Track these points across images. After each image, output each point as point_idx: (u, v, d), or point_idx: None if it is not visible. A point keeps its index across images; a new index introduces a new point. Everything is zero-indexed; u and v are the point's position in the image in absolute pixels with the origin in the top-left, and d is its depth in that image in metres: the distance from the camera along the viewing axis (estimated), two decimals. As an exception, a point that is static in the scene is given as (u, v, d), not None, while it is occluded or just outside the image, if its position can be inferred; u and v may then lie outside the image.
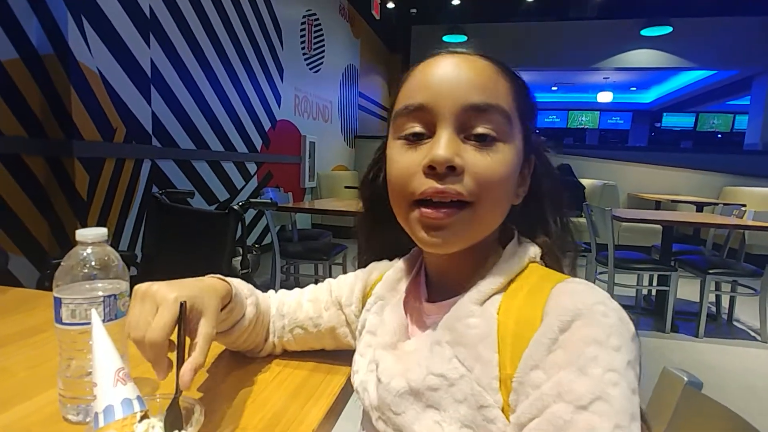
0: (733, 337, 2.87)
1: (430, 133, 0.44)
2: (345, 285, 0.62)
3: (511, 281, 0.44)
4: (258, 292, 0.64)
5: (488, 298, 0.43)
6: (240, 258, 1.43)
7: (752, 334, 2.93)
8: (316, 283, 0.69)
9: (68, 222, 2.36)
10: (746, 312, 3.22)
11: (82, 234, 0.48)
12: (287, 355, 0.67)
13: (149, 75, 2.81)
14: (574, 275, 0.45)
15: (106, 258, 0.49)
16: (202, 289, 0.50)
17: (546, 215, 0.49)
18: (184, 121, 3.32)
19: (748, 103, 8.61)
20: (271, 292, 0.69)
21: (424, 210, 0.43)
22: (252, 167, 4.35)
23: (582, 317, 0.36)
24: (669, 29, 7.01)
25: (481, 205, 0.43)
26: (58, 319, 0.46)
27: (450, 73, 0.44)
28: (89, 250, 0.49)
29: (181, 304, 0.45)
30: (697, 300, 2.88)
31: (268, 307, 0.65)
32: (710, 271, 2.76)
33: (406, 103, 0.45)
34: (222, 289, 0.53)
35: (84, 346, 0.47)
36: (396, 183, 0.45)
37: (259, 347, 0.64)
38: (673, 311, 2.84)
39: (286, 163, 5.06)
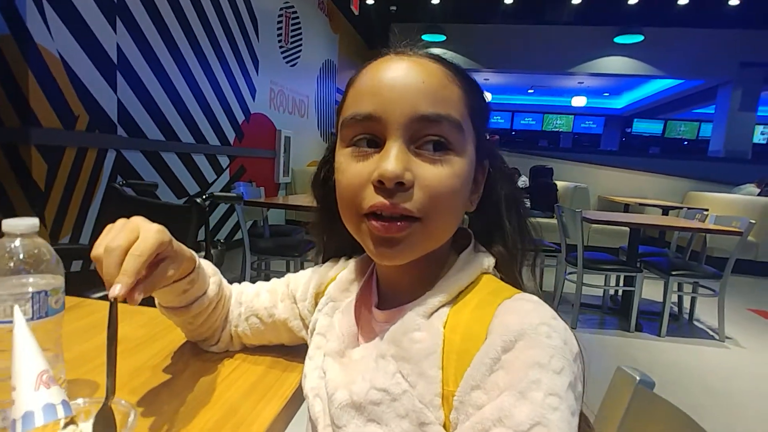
0: (693, 336, 2.98)
1: (379, 142, 0.42)
2: (301, 280, 0.61)
3: (461, 293, 0.43)
4: (222, 277, 0.64)
5: (436, 311, 0.42)
6: (203, 253, 1.38)
7: (711, 333, 3.04)
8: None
9: (23, 213, 2.24)
10: (706, 312, 3.34)
11: (8, 224, 0.44)
12: (245, 349, 0.66)
13: (115, 61, 2.69)
14: (534, 276, 0.45)
15: (36, 251, 0.45)
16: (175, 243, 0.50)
17: (502, 218, 0.48)
18: (152, 111, 3.20)
19: (713, 111, 8.96)
20: (235, 284, 0.68)
21: (374, 224, 0.41)
22: (224, 161, 4.25)
23: (525, 338, 0.35)
24: (641, 38, 7.22)
25: (432, 219, 0.41)
26: (-20, 317, 0.42)
27: (400, 81, 0.41)
28: (17, 242, 0.44)
29: (111, 303, 0.42)
30: (661, 300, 2.97)
31: (230, 293, 0.65)
32: (673, 273, 2.85)
33: (354, 111, 0.42)
34: (188, 253, 0.53)
35: (9, 346, 0.43)
36: (345, 195, 0.43)
37: (216, 335, 0.63)
38: (637, 311, 2.92)
39: (259, 157, 4.97)
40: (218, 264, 1.52)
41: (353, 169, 0.42)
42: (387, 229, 0.40)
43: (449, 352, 0.39)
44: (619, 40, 7.47)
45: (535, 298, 0.41)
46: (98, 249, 0.43)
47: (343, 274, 0.55)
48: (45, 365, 0.38)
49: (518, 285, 0.45)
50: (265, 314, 0.62)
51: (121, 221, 0.46)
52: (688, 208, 4.11)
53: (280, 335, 0.63)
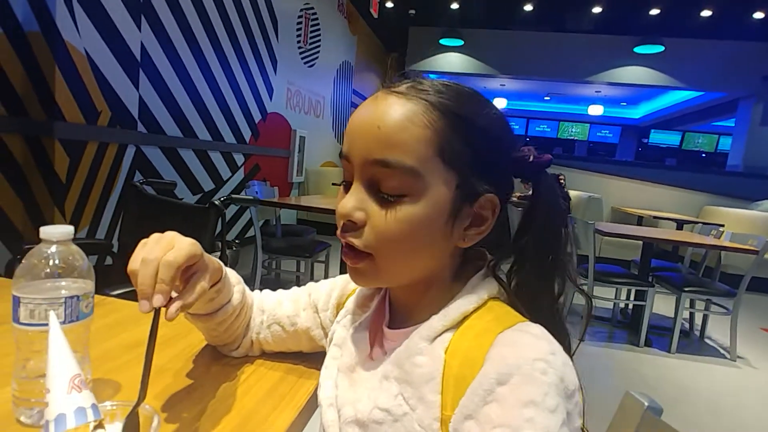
0: (703, 354, 2.94)
1: (351, 181, 0.45)
2: (323, 290, 0.63)
3: (466, 318, 0.44)
4: (245, 285, 0.66)
5: (439, 335, 0.43)
6: (219, 253, 1.41)
7: (722, 351, 3.00)
8: (296, 279, 0.71)
9: (45, 204, 2.30)
10: (718, 330, 3.29)
11: (46, 232, 0.46)
12: (263, 355, 0.68)
13: (138, 59, 2.75)
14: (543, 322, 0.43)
15: (70, 257, 0.48)
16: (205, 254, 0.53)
17: (529, 255, 0.46)
18: (172, 108, 3.26)
19: (733, 125, 8.81)
20: (256, 291, 0.71)
21: (343, 248, 0.46)
22: (239, 158, 4.30)
23: (521, 373, 0.35)
24: (661, 48, 7.13)
25: (380, 258, 0.44)
26: (16, 319, 0.45)
27: (362, 124, 0.43)
28: (53, 248, 0.47)
29: (156, 311, 0.44)
30: (672, 316, 2.93)
31: (252, 301, 0.67)
32: (686, 289, 2.82)
33: (341, 148, 0.46)
34: (216, 263, 0.55)
35: (42, 347, 0.45)
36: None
37: (237, 342, 0.65)
38: (647, 326, 2.89)
39: (274, 156, 5.02)
40: (233, 264, 1.55)
41: (338, 203, 0.46)
42: (346, 256, 0.45)
43: (448, 377, 0.40)
44: (639, 50, 7.39)
45: (539, 329, 0.40)
46: (134, 263, 0.46)
47: (361, 289, 0.57)
48: (77, 369, 0.40)
49: (526, 314, 0.44)
50: (287, 323, 0.64)
51: (155, 235, 0.49)
52: (704, 224, 4.06)
53: (300, 343, 0.65)
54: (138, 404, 0.41)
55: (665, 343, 2.93)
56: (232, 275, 0.63)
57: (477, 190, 0.44)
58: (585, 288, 3.00)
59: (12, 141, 2.21)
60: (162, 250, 0.46)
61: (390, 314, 0.53)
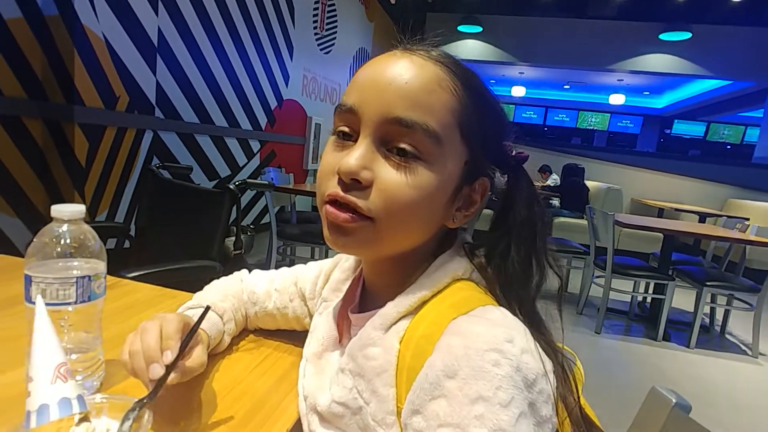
0: (724, 350, 2.87)
1: (356, 136, 0.41)
2: (310, 277, 0.62)
3: (425, 303, 0.41)
4: (230, 292, 0.65)
5: (395, 323, 0.41)
6: (233, 238, 1.41)
7: (743, 348, 2.93)
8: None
9: (65, 187, 2.34)
10: (739, 326, 3.21)
11: (57, 210, 0.45)
12: (272, 335, 0.68)
13: (156, 44, 2.75)
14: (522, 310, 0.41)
15: (82, 236, 0.47)
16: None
17: (509, 243, 0.44)
18: (189, 94, 3.27)
19: (761, 116, 8.50)
20: (244, 272, 0.71)
21: (328, 208, 0.41)
22: (255, 145, 4.31)
23: (470, 366, 0.33)
24: (688, 35, 6.89)
25: (383, 223, 0.40)
26: (28, 298, 0.44)
27: (383, 78, 0.40)
28: (65, 227, 0.46)
29: (207, 307, 0.50)
30: (691, 310, 2.87)
31: (240, 298, 0.66)
32: (708, 283, 2.75)
33: (341, 101, 0.42)
34: (206, 340, 0.56)
35: (56, 328, 0.45)
36: (317, 180, 0.43)
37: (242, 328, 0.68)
38: (666, 320, 2.83)
39: (290, 143, 5.02)
40: (247, 249, 1.56)
41: (327, 158, 0.42)
42: (336, 216, 0.40)
43: (402, 369, 0.38)
44: (664, 37, 7.16)
45: (499, 314, 0.38)
46: (124, 355, 0.47)
47: (335, 273, 0.56)
48: (63, 357, 0.38)
49: (497, 296, 0.42)
50: (277, 313, 0.65)
51: (140, 326, 0.49)
52: (728, 217, 3.94)
53: (293, 326, 0.66)
54: (148, 401, 0.39)
55: (684, 338, 2.87)
56: (218, 310, 0.61)
57: (481, 170, 0.43)
58: (602, 280, 2.95)
59: (33, 125, 2.24)
60: (154, 338, 0.46)
61: (361, 297, 0.51)
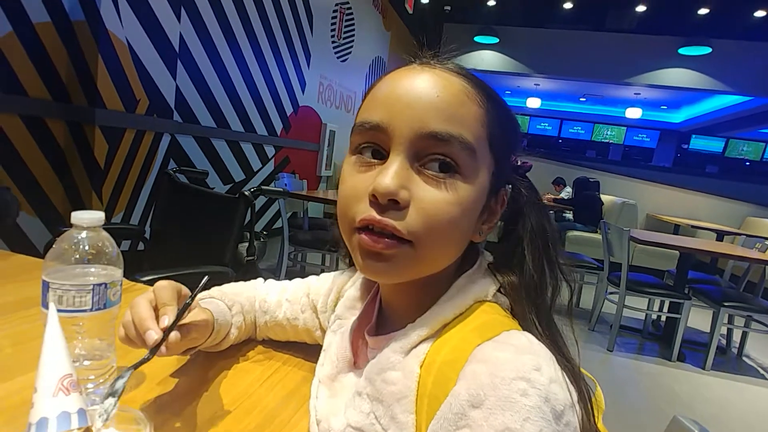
0: (740, 373, 2.79)
1: (384, 154, 0.39)
2: (322, 290, 0.61)
3: (446, 326, 0.39)
4: (242, 294, 0.66)
5: (415, 346, 0.39)
6: (247, 244, 1.42)
7: (761, 372, 2.85)
8: (321, 273, 0.68)
9: (84, 188, 2.38)
10: (757, 348, 3.13)
11: (77, 217, 0.46)
12: (282, 347, 0.67)
13: (177, 50, 2.80)
14: (547, 326, 0.40)
15: (100, 244, 0.47)
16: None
17: (523, 252, 0.43)
18: (207, 99, 3.32)
19: (783, 133, 8.34)
20: (260, 280, 0.71)
21: (363, 237, 0.38)
22: (270, 150, 4.35)
23: (496, 395, 0.31)
24: (708, 50, 6.81)
25: (424, 246, 0.38)
26: (44, 304, 0.45)
27: (412, 93, 0.38)
28: (84, 234, 0.47)
29: (207, 278, 0.50)
30: (707, 330, 2.80)
31: (252, 303, 0.66)
32: (725, 304, 2.68)
33: (363, 119, 0.40)
34: (204, 317, 0.55)
35: (70, 335, 0.45)
36: (342, 204, 0.41)
37: (252, 337, 0.68)
38: (681, 340, 2.77)
39: (304, 149, 5.05)
40: (260, 255, 1.57)
41: (353, 180, 0.40)
42: (374, 242, 0.37)
43: (422, 396, 0.36)
44: (683, 51, 7.09)
45: (525, 339, 0.36)
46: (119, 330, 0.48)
47: (350, 291, 0.54)
48: (69, 369, 0.37)
49: (524, 317, 0.41)
50: (287, 324, 0.64)
51: (132, 301, 0.50)
52: (747, 235, 3.85)
53: (304, 338, 0.66)
54: (145, 360, 0.42)
55: (699, 359, 2.80)
56: (225, 300, 0.62)
57: (507, 179, 0.43)
58: (616, 296, 2.90)
59: (55, 126, 2.29)
60: (147, 307, 0.48)
61: (378, 317, 0.49)
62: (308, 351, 0.66)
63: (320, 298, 0.61)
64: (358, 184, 0.39)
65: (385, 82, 0.41)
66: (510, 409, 0.31)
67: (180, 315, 0.47)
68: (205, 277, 0.50)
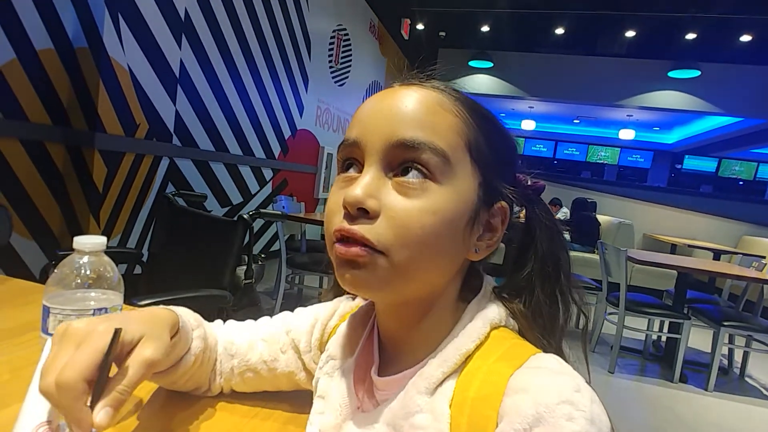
0: (744, 394, 2.76)
1: (360, 168, 0.39)
2: (304, 327, 0.55)
3: (469, 357, 0.37)
4: (205, 323, 0.57)
5: (440, 384, 0.37)
6: (245, 267, 1.41)
7: (764, 392, 2.82)
8: (319, 296, 0.65)
9: (81, 212, 2.38)
10: (760, 368, 3.10)
11: (79, 242, 0.46)
12: (246, 398, 0.58)
13: (177, 75, 2.85)
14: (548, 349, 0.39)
15: (101, 268, 0.47)
16: (144, 318, 0.43)
17: (533, 281, 0.42)
18: (205, 122, 3.36)
19: (774, 153, 8.47)
20: (218, 323, 0.61)
21: (336, 246, 0.37)
22: (268, 173, 4.37)
23: (544, 423, 0.30)
24: (697, 73, 6.97)
25: (397, 255, 0.36)
26: (44, 329, 0.45)
27: (385, 107, 0.38)
28: (85, 259, 0.47)
29: (116, 331, 0.38)
30: (708, 350, 2.79)
31: (215, 341, 0.57)
32: (725, 323, 2.67)
33: (344, 137, 0.41)
34: (168, 318, 0.46)
35: (68, 359, 0.45)
36: (325, 220, 0.40)
37: (205, 386, 0.57)
38: (683, 361, 2.75)
39: (302, 172, 5.09)
40: (258, 279, 1.57)
41: (335, 196, 0.39)
42: (346, 249, 0.36)
43: None
44: (673, 74, 7.25)
45: (555, 361, 0.35)
46: (41, 380, 0.36)
47: (341, 327, 0.50)
48: (46, 416, 0.35)
49: (535, 342, 0.40)
50: (263, 368, 0.56)
51: (58, 335, 0.39)
52: (743, 254, 3.87)
53: (280, 386, 0.58)
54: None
55: (701, 380, 2.77)
56: (190, 317, 0.54)
57: (499, 191, 0.41)
58: (615, 317, 2.88)
59: (55, 150, 2.30)
60: (60, 363, 0.36)
61: (380, 355, 0.45)
62: (280, 398, 0.58)
63: (302, 336, 0.54)
64: (338, 199, 0.38)
65: (365, 103, 0.41)
66: None
67: (99, 385, 0.37)
68: (116, 329, 0.38)
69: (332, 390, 0.46)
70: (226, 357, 0.56)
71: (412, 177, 0.36)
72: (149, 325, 0.43)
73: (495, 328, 0.39)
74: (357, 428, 0.42)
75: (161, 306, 0.50)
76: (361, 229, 0.36)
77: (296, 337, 0.55)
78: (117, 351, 0.38)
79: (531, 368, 0.34)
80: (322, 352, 0.51)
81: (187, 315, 0.53)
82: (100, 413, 0.35)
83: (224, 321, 0.62)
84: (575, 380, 0.32)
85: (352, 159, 0.40)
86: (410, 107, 0.38)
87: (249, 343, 0.57)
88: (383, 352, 0.45)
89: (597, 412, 0.31)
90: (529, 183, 0.44)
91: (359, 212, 0.36)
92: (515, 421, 0.31)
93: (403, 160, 0.37)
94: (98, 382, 0.36)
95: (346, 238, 0.37)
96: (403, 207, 0.36)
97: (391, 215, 0.36)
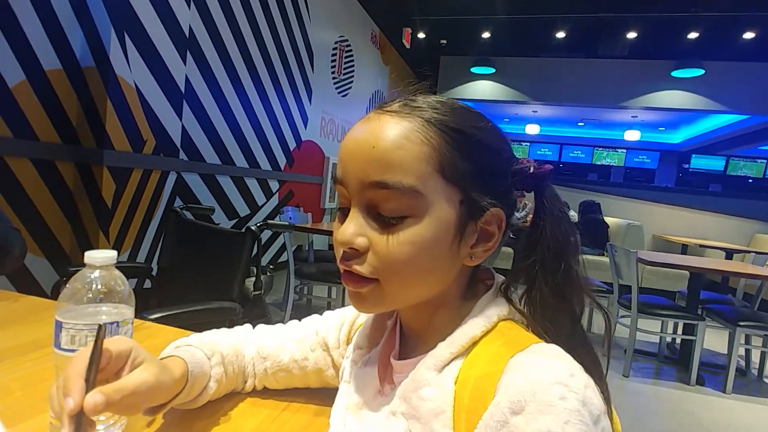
0: (763, 396, 2.70)
1: (349, 205, 0.43)
2: (332, 326, 0.61)
3: (475, 343, 0.41)
4: (222, 341, 0.60)
5: (447, 364, 0.41)
6: (253, 279, 1.42)
7: (785, 394, 2.76)
8: (328, 305, 0.68)
9: (91, 229, 2.40)
10: (778, 370, 3.03)
11: (90, 257, 0.47)
12: (277, 395, 0.63)
13: (183, 91, 2.88)
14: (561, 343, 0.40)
15: (112, 282, 0.48)
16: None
17: (537, 273, 0.43)
18: (212, 137, 3.40)
19: (783, 149, 8.37)
20: (248, 327, 0.66)
21: (342, 276, 0.43)
22: (274, 185, 4.40)
23: (536, 400, 0.32)
24: (701, 72, 6.94)
25: (388, 282, 0.41)
26: (57, 344, 0.45)
27: (356, 147, 0.41)
28: (97, 273, 0.47)
29: (100, 327, 0.40)
30: (724, 351, 2.73)
31: (240, 351, 0.61)
32: (740, 323, 2.63)
33: (335, 174, 0.45)
34: (177, 370, 0.50)
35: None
36: (334, 244, 0.45)
37: (237, 390, 0.62)
38: (699, 362, 2.70)
39: (308, 182, 5.11)
40: (266, 290, 1.57)
41: (335, 231, 0.44)
42: (347, 282, 0.42)
43: (459, 411, 0.37)
44: (677, 74, 7.22)
45: (554, 349, 0.37)
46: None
47: (368, 319, 0.55)
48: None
49: (541, 334, 0.41)
50: (295, 367, 0.62)
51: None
52: (757, 253, 3.81)
53: (309, 382, 0.64)
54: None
55: (719, 382, 2.72)
56: (204, 349, 0.56)
57: (481, 205, 0.42)
58: (628, 320, 2.84)
59: (64, 168, 2.34)
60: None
61: (400, 344, 0.50)
62: (308, 395, 0.62)
63: (331, 333, 0.61)
64: (336, 235, 0.43)
65: (346, 139, 0.43)
66: (551, 412, 0.32)
67: (90, 376, 0.39)
68: (99, 325, 0.41)
69: (357, 375, 0.51)
70: (259, 360, 0.62)
71: (389, 214, 0.40)
72: (153, 361, 0.47)
73: (503, 320, 0.42)
74: (379, 404, 0.46)
75: (171, 356, 0.53)
76: (355, 265, 0.41)
77: (325, 334, 0.61)
78: (102, 345, 0.41)
79: (530, 352, 0.37)
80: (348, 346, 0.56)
81: (197, 351, 0.55)
82: (93, 392, 0.38)
83: None
84: (570, 366, 0.35)
85: (342, 196, 0.44)
86: (376, 147, 0.40)
87: (280, 345, 0.62)
88: (405, 342, 0.50)
89: (590, 396, 0.33)
90: (531, 170, 0.45)
91: (351, 251, 0.41)
92: (510, 394, 0.33)
93: (378, 199, 0.40)
94: (89, 370, 0.39)
95: (347, 272, 0.42)
96: (386, 243, 0.40)
97: (377, 249, 0.40)
